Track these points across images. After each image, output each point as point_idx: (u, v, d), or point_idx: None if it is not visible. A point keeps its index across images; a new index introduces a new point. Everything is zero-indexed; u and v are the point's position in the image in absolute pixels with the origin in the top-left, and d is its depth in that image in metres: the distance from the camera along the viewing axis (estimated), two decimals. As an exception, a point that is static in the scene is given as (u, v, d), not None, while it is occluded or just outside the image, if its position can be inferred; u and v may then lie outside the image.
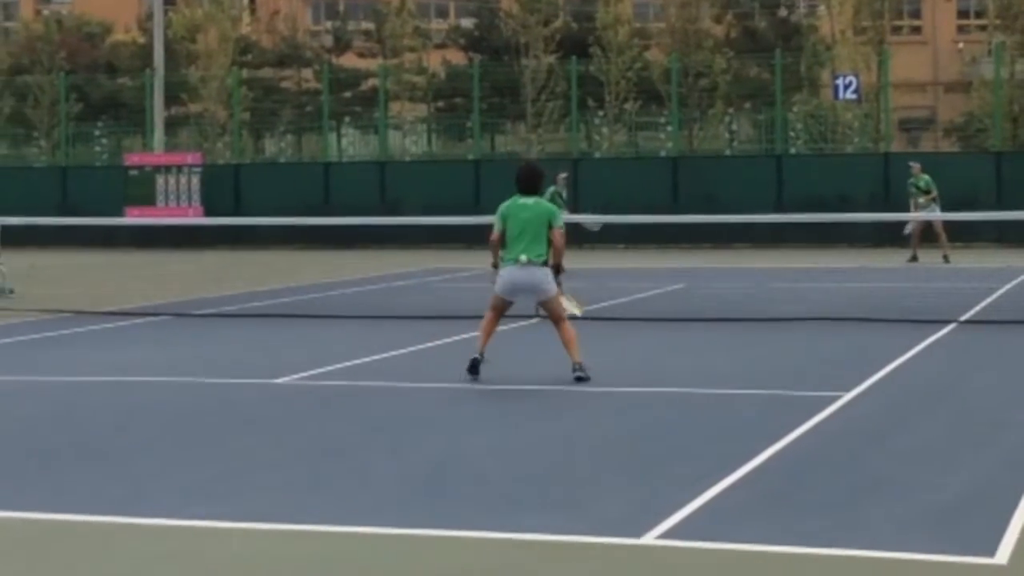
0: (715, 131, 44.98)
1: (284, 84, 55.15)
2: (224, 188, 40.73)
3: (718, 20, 47.69)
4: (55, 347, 16.48)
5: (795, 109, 43.70)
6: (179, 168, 41.23)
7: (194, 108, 47.72)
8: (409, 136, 48.11)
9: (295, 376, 13.72)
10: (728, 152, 43.34)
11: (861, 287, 24.08)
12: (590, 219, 27.56)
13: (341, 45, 57.48)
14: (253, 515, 8.03)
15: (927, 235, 30.19)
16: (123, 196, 40.25)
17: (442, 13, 61.44)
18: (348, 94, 52.31)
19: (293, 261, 33.10)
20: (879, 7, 44.73)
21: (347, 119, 49.53)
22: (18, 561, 7.29)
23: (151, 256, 36.25)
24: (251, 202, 39.61)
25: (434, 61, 52.16)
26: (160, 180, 40.95)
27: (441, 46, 55.13)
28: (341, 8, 61.05)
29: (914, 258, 29.79)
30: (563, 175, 29.30)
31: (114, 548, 7.55)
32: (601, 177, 38.67)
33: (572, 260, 23.59)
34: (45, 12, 62.34)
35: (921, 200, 29.76)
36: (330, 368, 14.29)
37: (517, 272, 13.11)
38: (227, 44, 47.20)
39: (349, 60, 55.43)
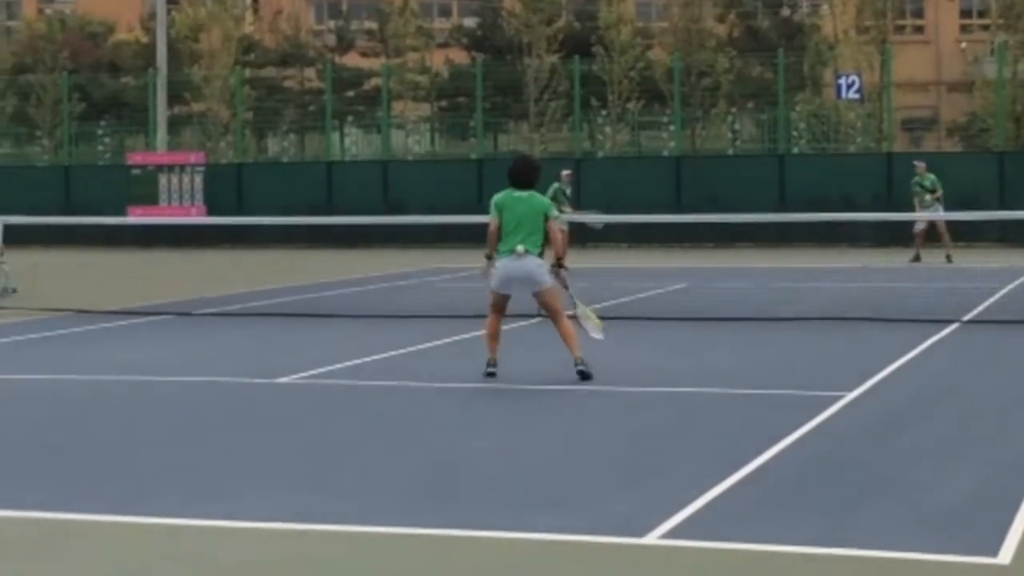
0: (718, 131, 44.99)
1: (287, 83, 55.17)
2: (227, 187, 40.73)
3: (721, 20, 47.66)
4: (57, 346, 16.48)
5: (798, 109, 43.69)
6: (182, 167, 41.25)
7: (197, 107, 47.75)
8: (412, 135, 48.11)
9: (297, 375, 13.72)
10: (731, 152, 43.32)
11: (862, 287, 24.07)
12: (592, 217, 27.54)
13: (344, 44, 57.50)
14: (258, 515, 8.04)
15: (931, 235, 30.18)
16: (126, 195, 40.26)
17: (445, 12, 61.45)
18: (351, 93, 52.33)
19: (296, 261, 33.10)
20: (882, 6, 44.71)
21: (350, 118, 49.55)
22: (20, 560, 7.29)
23: (153, 255, 36.26)
24: (254, 201, 39.62)
25: (437, 60, 52.17)
26: (163, 179, 40.97)
27: (444, 45, 55.15)
28: (344, 8, 61.06)
29: (917, 258, 29.77)
30: (567, 172, 29.37)
31: (117, 548, 7.55)
32: (604, 176, 38.67)
33: (575, 259, 23.62)
34: (48, 11, 62.42)
35: (927, 198, 29.70)
36: (332, 368, 14.29)
37: (511, 263, 13.08)
38: (230, 43, 47.21)
39: (352, 59, 55.45)
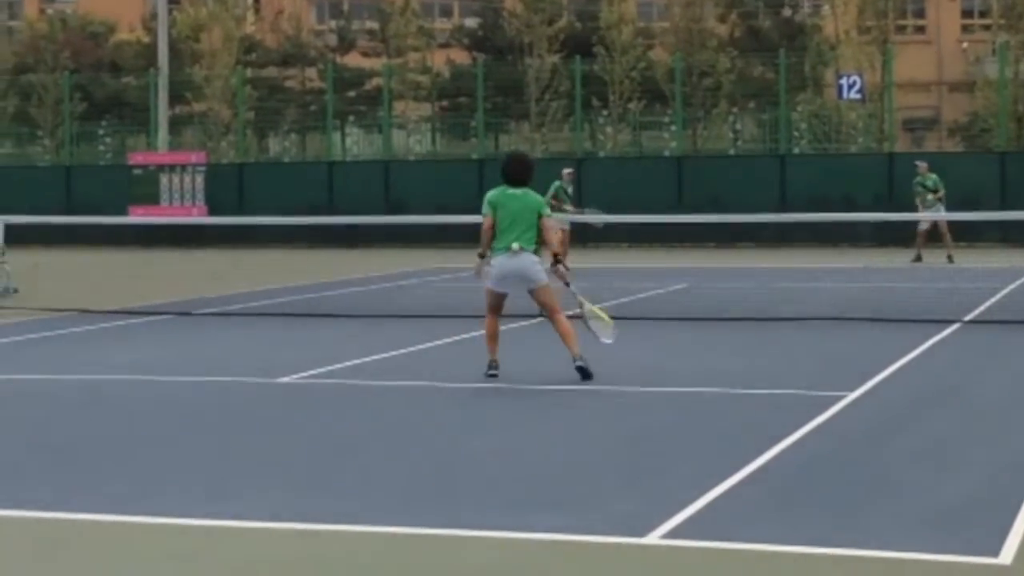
0: (719, 131, 44.98)
1: (288, 83, 55.19)
2: (228, 187, 40.73)
3: (722, 20, 47.65)
4: (59, 346, 16.48)
5: (799, 109, 43.68)
6: (183, 167, 41.24)
7: (198, 107, 47.76)
8: (413, 135, 48.12)
9: (298, 375, 13.72)
10: (732, 152, 43.32)
11: (863, 287, 24.06)
12: (594, 217, 27.54)
13: (345, 44, 57.51)
14: (262, 514, 8.03)
15: (932, 235, 30.16)
16: (127, 195, 40.26)
17: (446, 12, 61.48)
18: (352, 93, 52.34)
19: (297, 260, 33.10)
20: (883, 7, 44.72)
21: (351, 118, 49.56)
22: (22, 561, 7.29)
23: (155, 255, 36.26)
24: (255, 201, 39.60)
25: (438, 61, 52.19)
26: (164, 179, 40.97)
27: (445, 45, 55.16)
28: (345, 7, 61.09)
29: (918, 258, 29.76)
30: (568, 171, 29.32)
31: (119, 548, 7.55)
32: (605, 176, 38.64)
33: (576, 259, 23.62)
34: (49, 11, 62.45)
35: (929, 198, 29.64)
36: (333, 367, 14.29)
37: (507, 260, 13.03)
38: (231, 43, 47.22)
39: (353, 59, 55.48)
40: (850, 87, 37.68)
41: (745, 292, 23.44)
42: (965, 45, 63.23)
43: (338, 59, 54.12)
